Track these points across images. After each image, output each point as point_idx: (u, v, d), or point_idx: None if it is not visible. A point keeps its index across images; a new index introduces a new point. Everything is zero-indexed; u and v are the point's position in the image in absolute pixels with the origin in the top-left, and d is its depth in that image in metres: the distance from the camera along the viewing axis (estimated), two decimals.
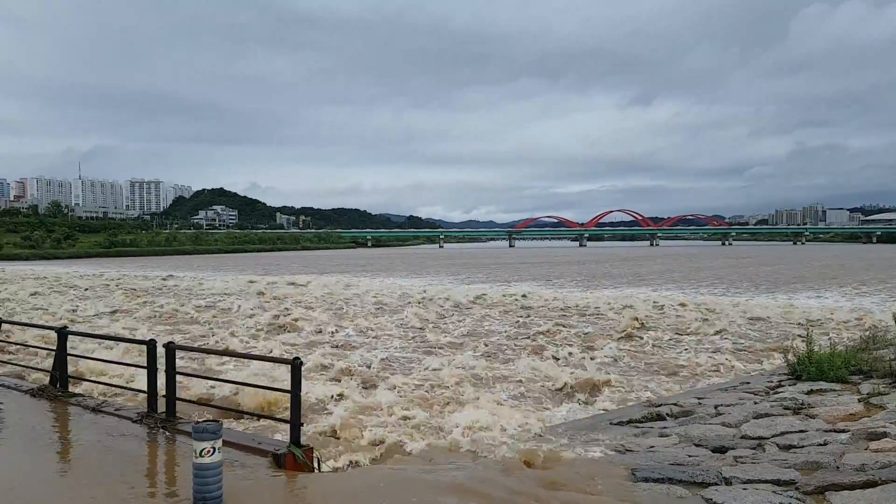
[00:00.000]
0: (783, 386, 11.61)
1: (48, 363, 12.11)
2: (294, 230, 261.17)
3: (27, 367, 14.03)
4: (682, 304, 30.76)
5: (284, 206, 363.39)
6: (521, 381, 15.37)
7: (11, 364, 14.27)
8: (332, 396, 13.29)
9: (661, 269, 69.22)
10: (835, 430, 8.63)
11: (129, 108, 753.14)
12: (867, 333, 17.26)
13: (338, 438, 10.69)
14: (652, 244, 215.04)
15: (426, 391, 14.11)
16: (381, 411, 12.25)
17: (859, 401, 10.05)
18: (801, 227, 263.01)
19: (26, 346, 15.76)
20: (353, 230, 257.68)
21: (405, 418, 11.79)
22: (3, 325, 13.11)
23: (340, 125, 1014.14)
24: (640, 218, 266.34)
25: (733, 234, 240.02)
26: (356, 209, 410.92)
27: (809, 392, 10.83)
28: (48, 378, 11.25)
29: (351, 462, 9.56)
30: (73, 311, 30.99)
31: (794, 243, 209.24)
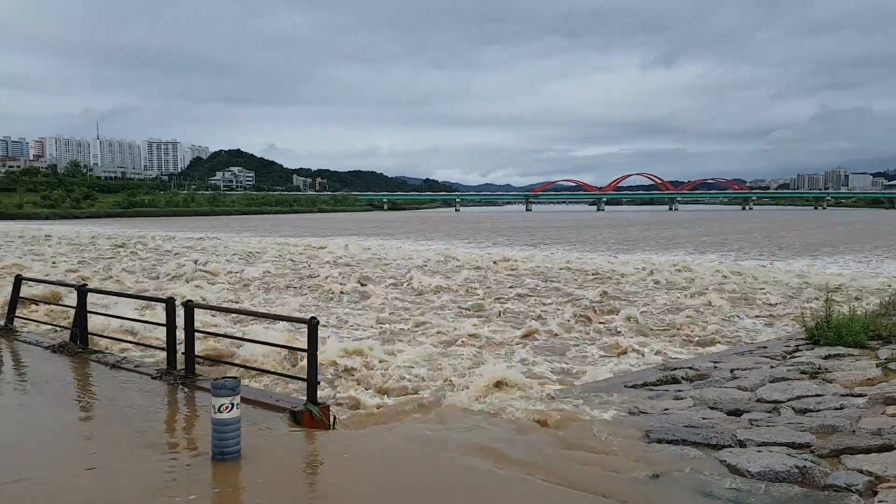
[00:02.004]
0: (800, 350, 11.54)
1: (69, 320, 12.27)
2: (311, 192, 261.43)
3: (48, 323, 14.24)
4: (701, 268, 30.58)
5: (301, 168, 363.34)
6: (537, 343, 15.41)
7: (33, 321, 14.49)
8: (351, 355, 13.37)
9: (683, 233, 68.82)
10: (852, 395, 8.59)
11: (149, 66, 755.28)
12: (887, 299, 17.09)
13: (355, 397, 10.79)
14: (671, 208, 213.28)
15: (443, 352, 14.18)
16: (399, 371, 12.34)
17: (877, 366, 9.98)
18: (823, 191, 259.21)
19: (47, 303, 15.98)
20: (369, 193, 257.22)
21: (421, 378, 11.88)
22: (23, 281, 13.28)
23: (358, 85, 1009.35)
24: (659, 182, 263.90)
25: (754, 198, 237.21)
26: (372, 171, 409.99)
27: (827, 357, 10.76)
28: (69, 335, 11.42)
29: (366, 420, 9.66)
30: None
31: (816, 208, 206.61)
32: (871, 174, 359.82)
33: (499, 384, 10.94)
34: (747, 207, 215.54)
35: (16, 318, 13.04)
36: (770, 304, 20.89)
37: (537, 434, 7.68)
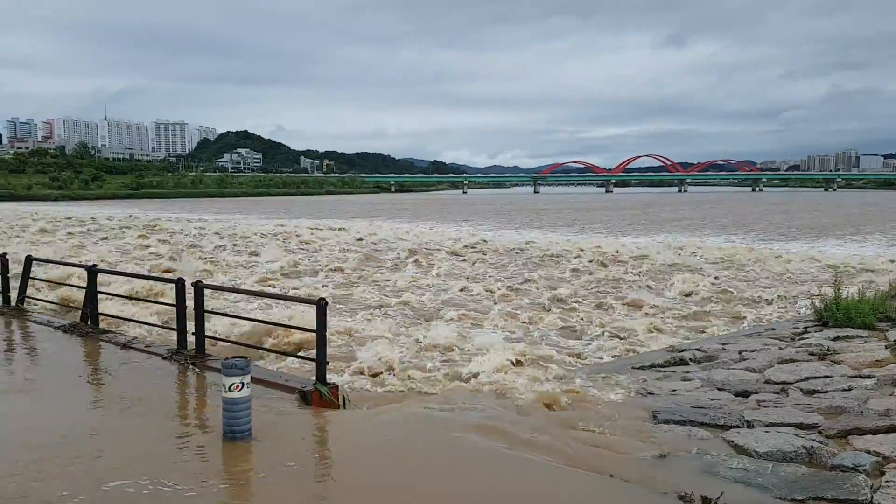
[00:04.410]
0: (809, 332, 11.54)
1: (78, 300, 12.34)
2: (318, 174, 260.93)
3: (59, 304, 14.34)
4: (708, 249, 30.48)
5: (308, 150, 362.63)
6: (544, 324, 15.41)
7: (44, 301, 14.59)
8: (360, 336, 13.42)
9: (683, 215, 68.61)
10: (860, 376, 8.60)
11: (156, 47, 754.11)
12: None
13: (363, 377, 10.84)
14: (680, 190, 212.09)
15: (449, 333, 14.20)
16: (407, 351, 12.38)
17: (886, 347, 9.98)
18: (833, 173, 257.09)
19: (58, 283, 16.08)
20: (376, 175, 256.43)
21: (430, 358, 11.90)
22: (34, 262, 13.35)
23: (367, 65, 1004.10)
24: (668, 163, 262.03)
25: (764, 180, 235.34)
26: (379, 153, 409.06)
27: (836, 338, 10.75)
28: (79, 315, 11.50)
29: (374, 400, 9.72)
30: None
31: (826, 189, 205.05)
32: (882, 155, 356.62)
33: (507, 364, 10.97)
34: (757, 189, 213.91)
35: (27, 299, 13.14)
36: (778, 286, 20.80)
37: (544, 414, 7.71)
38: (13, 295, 13.20)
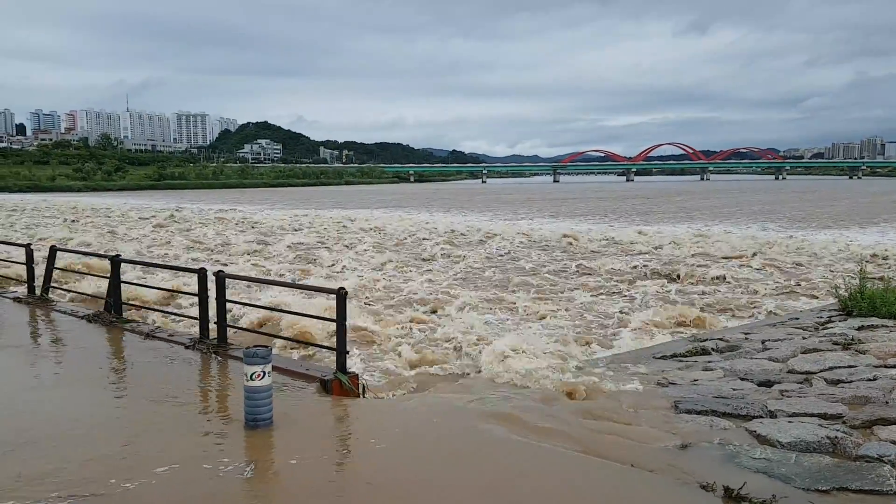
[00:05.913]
0: (833, 322, 11.39)
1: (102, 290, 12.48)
2: (337, 165, 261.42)
3: (83, 293, 14.51)
4: (735, 238, 30.20)
5: (328, 141, 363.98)
6: (564, 314, 15.37)
7: (68, 291, 14.78)
8: (381, 325, 13.47)
9: (710, 205, 67.95)
10: (885, 366, 8.47)
11: (177, 39, 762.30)
12: None
13: (383, 366, 10.89)
14: (702, 179, 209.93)
15: (470, 322, 14.21)
16: (426, 341, 12.41)
17: None
18: (858, 161, 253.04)
19: (82, 273, 16.28)
20: (395, 165, 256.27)
21: (449, 349, 11.93)
22: (58, 252, 13.52)
23: (385, 56, 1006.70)
24: (690, 151, 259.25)
25: (787, 168, 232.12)
26: (398, 143, 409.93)
27: (860, 328, 10.60)
28: (103, 305, 11.64)
29: (394, 389, 9.75)
30: None
31: (850, 177, 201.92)
32: None
33: (525, 356, 10.96)
34: (780, 177, 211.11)
35: (51, 289, 13.31)
36: (803, 274, 20.56)
37: (564, 405, 7.69)
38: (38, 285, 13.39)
